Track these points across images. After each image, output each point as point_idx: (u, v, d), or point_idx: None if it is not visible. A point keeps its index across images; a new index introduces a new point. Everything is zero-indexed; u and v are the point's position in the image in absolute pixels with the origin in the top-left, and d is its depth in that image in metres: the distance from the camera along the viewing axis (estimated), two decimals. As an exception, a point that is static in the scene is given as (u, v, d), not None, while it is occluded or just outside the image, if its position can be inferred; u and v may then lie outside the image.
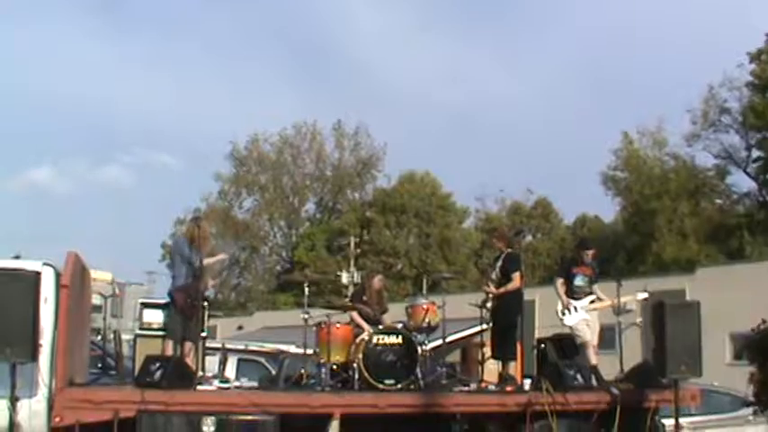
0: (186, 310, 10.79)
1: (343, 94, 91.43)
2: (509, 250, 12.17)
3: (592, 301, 12.14)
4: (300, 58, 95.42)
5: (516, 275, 11.81)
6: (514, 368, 11.86)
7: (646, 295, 12.70)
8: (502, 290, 11.83)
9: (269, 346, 17.15)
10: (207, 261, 11.27)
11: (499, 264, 12.06)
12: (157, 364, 9.66)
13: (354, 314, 11.77)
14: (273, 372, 13.75)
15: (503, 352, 11.78)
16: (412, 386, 10.58)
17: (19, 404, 8.49)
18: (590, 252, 12.51)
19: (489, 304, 12.02)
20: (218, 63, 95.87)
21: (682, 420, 10.62)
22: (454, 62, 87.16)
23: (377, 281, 12.55)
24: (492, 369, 12.07)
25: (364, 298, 12.17)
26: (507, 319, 11.80)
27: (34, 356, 8.54)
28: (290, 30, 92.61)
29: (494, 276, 12.07)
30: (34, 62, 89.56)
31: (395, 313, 12.48)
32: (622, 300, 12.18)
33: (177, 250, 11.36)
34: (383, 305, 12.32)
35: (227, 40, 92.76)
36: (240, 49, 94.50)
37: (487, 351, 12.10)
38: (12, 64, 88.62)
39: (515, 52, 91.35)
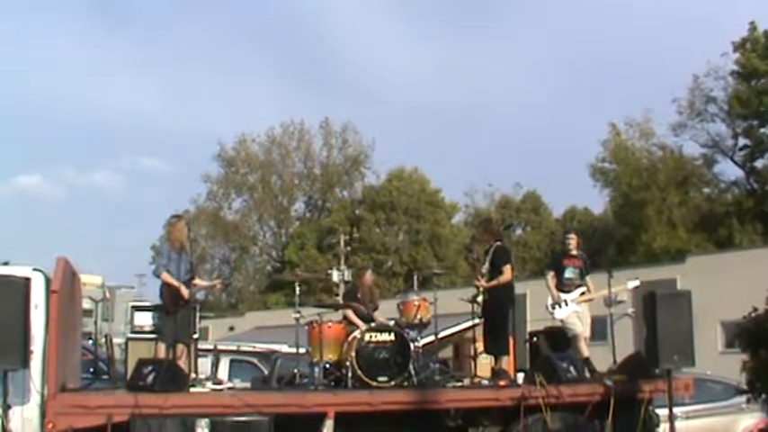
0: (170, 307, 10.75)
1: (330, 92, 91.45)
2: (498, 243, 12.07)
3: (582, 293, 12.13)
4: (287, 57, 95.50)
5: (507, 268, 11.69)
6: (507, 362, 11.82)
7: (637, 283, 12.68)
8: (493, 283, 11.69)
9: (261, 347, 17.09)
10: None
11: (489, 257, 11.95)
12: (150, 368, 9.63)
13: (349, 312, 11.73)
14: (266, 372, 13.73)
15: (495, 346, 11.70)
16: (405, 383, 10.55)
17: (11, 412, 8.46)
18: (571, 236, 12.52)
19: (480, 298, 11.95)
20: (205, 65, 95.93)
21: (675, 410, 10.61)
22: (441, 58, 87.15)
23: (368, 276, 12.53)
24: (485, 364, 12.06)
25: (358, 296, 12.12)
26: (498, 313, 11.71)
27: (25, 363, 8.50)
28: (278, 29, 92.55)
29: (484, 270, 11.97)
30: (22, 67, 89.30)
31: (386, 310, 12.45)
32: (613, 291, 12.11)
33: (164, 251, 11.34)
34: (375, 301, 12.28)
35: (213, 42, 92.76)
36: (226, 50, 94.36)
37: (480, 346, 12.07)
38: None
39: (502, 47, 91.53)
